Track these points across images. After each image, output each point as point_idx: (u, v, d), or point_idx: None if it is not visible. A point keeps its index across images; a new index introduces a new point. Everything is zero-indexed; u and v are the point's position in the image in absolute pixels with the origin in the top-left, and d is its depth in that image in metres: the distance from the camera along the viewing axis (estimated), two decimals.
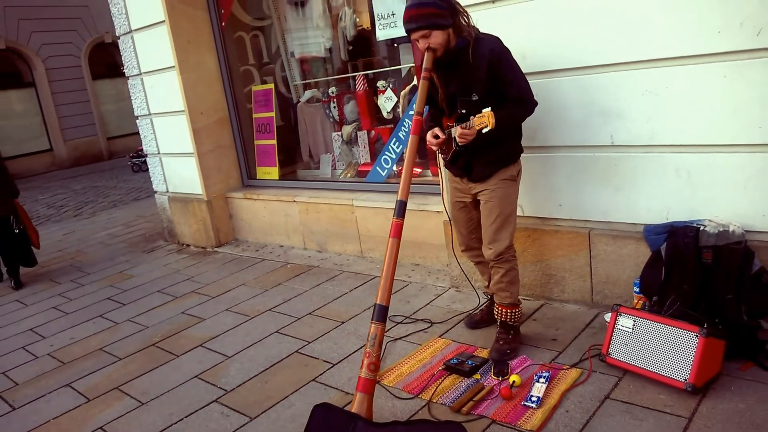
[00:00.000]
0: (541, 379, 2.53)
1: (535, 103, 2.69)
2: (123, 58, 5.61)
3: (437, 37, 2.57)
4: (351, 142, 5.25)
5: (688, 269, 2.62)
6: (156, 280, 4.95)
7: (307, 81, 5.71)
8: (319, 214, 4.75)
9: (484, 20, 3.15)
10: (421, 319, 3.38)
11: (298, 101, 5.67)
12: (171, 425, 2.76)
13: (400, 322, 3.39)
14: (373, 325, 2.46)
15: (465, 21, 2.63)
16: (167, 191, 5.87)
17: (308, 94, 5.65)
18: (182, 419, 2.79)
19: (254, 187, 5.49)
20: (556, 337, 2.96)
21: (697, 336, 2.31)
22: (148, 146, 5.83)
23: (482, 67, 2.59)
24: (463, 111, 2.66)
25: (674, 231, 2.72)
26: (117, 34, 5.53)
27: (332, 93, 5.38)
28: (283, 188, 5.20)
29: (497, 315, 2.89)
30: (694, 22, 2.57)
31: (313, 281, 4.29)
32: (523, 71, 3.05)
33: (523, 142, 3.14)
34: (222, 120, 5.38)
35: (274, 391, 2.89)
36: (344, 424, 2.30)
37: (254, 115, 5.48)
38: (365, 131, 5.08)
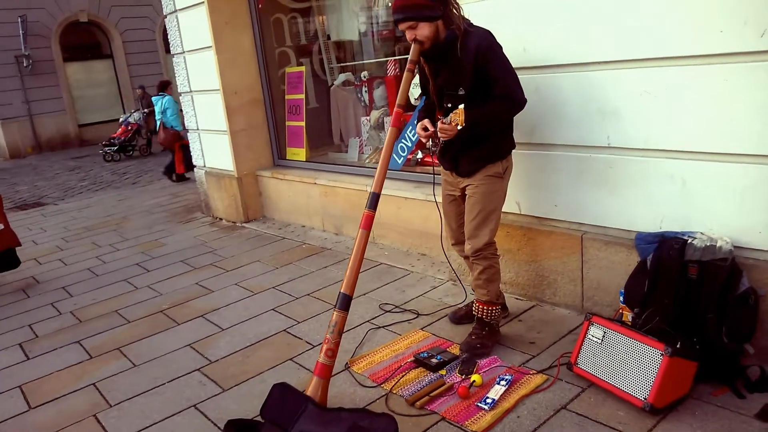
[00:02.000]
0: (502, 382, 2.49)
1: (523, 101, 2.62)
2: (169, 37, 5.83)
3: (424, 29, 2.54)
4: (379, 127, 5.26)
5: (671, 283, 2.49)
6: (183, 250, 5.17)
7: (342, 64, 5.75)
8: (336, 198, 4.81)
9: (487, 10, 3.09)
10: (409, 310, 3.38)
11: (332, 84, 5.72)
12: (153, 388, 2.91)
13: (389, 311, 3.41)
14: (335, 312, 2.51)
15: (455, 13, 2.58)
16: (204, 166, 6.09)
17: (342, 77, 5.70)
18: (164, 384, 2.94)
19: (283, 167, 5.61)
20: (535, 341, 2.89)
21: (661, 354, 2.21)
22: (188, 122, 6.05)
23: (469, 62, 2.54)
24: (449, 105, 2.62)
25: (663, 241, 2.59)
26: (164, 13, 5.75)
27: (364, 77, 5.41)
28: (307, 170, 5.29)
29: (474, 311, 2.86)
30: (695, 19, 2.41)
31: (321, 263, 4.37)
32: (523, 65, 2.99)
33: (522, 138, 3.09)
34: (255, 100, 5.51)
35: (252, 366, 2.99)
36: (296, 405, 2.36)
37: (286, 97, 5.58)
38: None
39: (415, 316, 3.31)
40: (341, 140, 5.73)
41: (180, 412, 2.67)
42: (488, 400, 2.39)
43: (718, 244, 2.41)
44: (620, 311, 2.70)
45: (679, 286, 2.47)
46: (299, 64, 5.70)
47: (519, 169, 3.17)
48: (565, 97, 2.92)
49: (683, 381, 2.27)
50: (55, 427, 2.66)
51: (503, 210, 3.27)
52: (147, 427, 2.58)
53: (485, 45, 2.52)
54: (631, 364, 2.31)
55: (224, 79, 5.28)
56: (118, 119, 16.61)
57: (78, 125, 16.12)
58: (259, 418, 2.45)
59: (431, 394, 2.49)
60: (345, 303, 2.50)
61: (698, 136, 2.52)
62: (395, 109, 2.63)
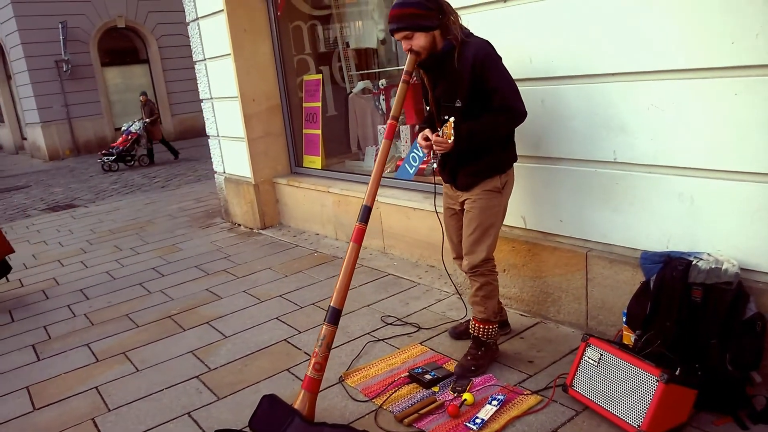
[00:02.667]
0: (494, 402, 2.43)
1: (523, 113, 2.55)
2: (191, 44, 5.92)
3: (419, 40, 2.51)
4: (395, 135, 5.22)
5: (673, 305, 2.39)
6: (198, 256, 5.23)
7: (360, 72, 5.75)
8: (348, 207, 4.80)
9: (493, 20, 3.04)
10: (411, 323, 3.34)
11: (351, 92, 5.72)
12: (151, 394, 2.93)
13: (390, 324, 3.37)
14: (324, 326, 2.48)
15: (453, 23, 2.53)
16: (224, 172, 6.16)
17: (360, 85, 5.69)
18: (162, 390, 2.96)
19: (299, 174, 5.63)
20: (534, 360, 2.82)
21: (657, 380, 2.12)
22: (209, 128, 6.13)
23: (466, 73, 2.49)
24: (446, 117, 2.57)
25: (668, 262, 2.49)
26: (187, 21, 5.85)
27: (382, 85, 5.39)
28: (321, 178, 5.29)
29: (471, 329, 2.80)
30: (704, 31, 2.32)
31: (330, 272, 4.35)
32: (529, 76, 2.94)
33: (527, 151, 3.03)
34: (273, 108, 5.54)
35: (248, 375, 2.99)
36: (283, 418, 2.36)
37: (304, 104, 5.60)
38: (408, 125, 5.04)
39: (416, 329, 3.27)
40: (358, 148, 5.73)
41: (174, 419, 2.68)
42: (477, 420, 2.33)
43: (723, 267, 2.30)
44: (620, 333, 2.60)
45: (681, 309, 2.37)
46: (318, 71, 5.72)
47: (524, 182, 3.12)
48: (571, 110, 2.84)
49: (681, 409, 2.17)
50: (54, 429, 2.70)
51: (509, 224, 3.24)
52: None
53: (482, 55, 2.47)
54: (626, 388, 2.22)
55: (242, 86, 5.34)
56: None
57: (114, 128, 16.51)
58: (247, 429, 2.44)
59: (420, 412, 2.44)
60: (334, 317, 2.48)
61: (707, 152, 2.42)
62: (389, 121, 2.60)
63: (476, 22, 3.09)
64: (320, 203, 5.13)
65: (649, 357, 2.29)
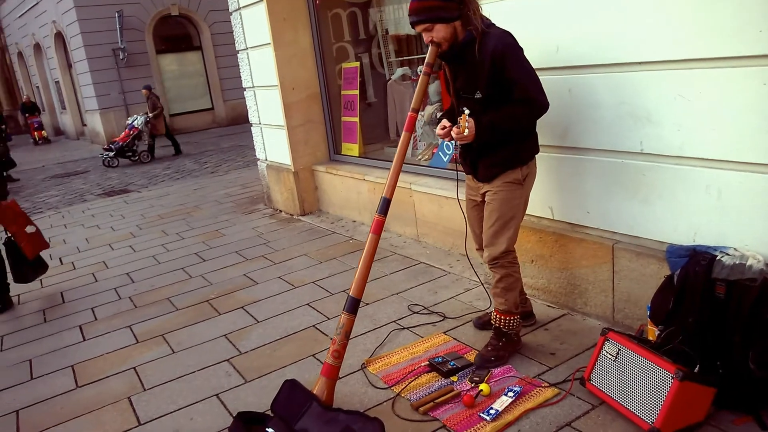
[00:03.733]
0: (510, 393, 2.44)
1: (545, 105, 2.52)
2: (234, 34, 6.05)
3: (440, 32, 2.50)
4: (432, 122, 5.22)
5: (696, 301, 2.33)
6: (239, 241, 5.39)
7: (400, 58, 5.75)
8: None
9: (520, 7, 2.99)
10: (437, 312, 3.37)
11: (390, 79, 5.74)
12: (184, 375, 3.08)
13: (416, 312, 3.41)
14: (343, 315, 2.55)
15: (474, 13, 2.51)
16: (266, 159, 6.30)
17: (399, 72, 5.70)
18: (194, 372, 3.10)
19: (337, 162, 5.70)
20: (556, 352, 2.81)
21: (672, 377, 2.09)
22: (252, 116, 6.27)
23: (486, 64, 2.47)
24: (464, 109, 2.57)
25: (693, 256, 2.43)
26: (230, 10, 5.97)
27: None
28: (358, 165, 5.35)
29: (492, 320, 2.81)
30: (733, 18, 2.22)
31: None
32: (556, 65, 2.89)
33: (554, 141, 3.00)
34: (313, 96, 5.62)
35: (276, 360, 3.10)
36: (302, 402, 2.44)
37: (342, 92, 5.65)
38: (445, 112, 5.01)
39: (442, 318, 3.30)
40: (397, 135, 5.74)
41: (202, 400, 2.81)
42: (492, 411, 2.35)
43: (748, 263, 2.23)
44: (642, 327, 2.56)
45: (704, 305, 2.31)
46: (357, 58, 5.75)
47: (552, 172, 3.08)
48: (598, 99, 2.78)
49: (697, 407, 2.13)
50: (93, 407, 2.88)
51: (536, 215, 3.22)
52: (170, 413, 2.74)
53: (502, 46, 2.44)
54: (642, 384, 2.19)
55: (282, 74, 5.43)
56: (209, 108, 17.50)
57: (169, 114, 17.05)
58: (269, 412, 2.54)
59: (437, 401, 2.48)
60: (353, 306, 2.54)
61: (735, 144, 2.34)
62: (409, 113, 2.61)
63: (503, 10, 3.05)
64: (356, 190, 5.19)
65: (669, 353, 2.26)
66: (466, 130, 2.38)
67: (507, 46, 2.46)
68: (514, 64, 2.46)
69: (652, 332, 2.59)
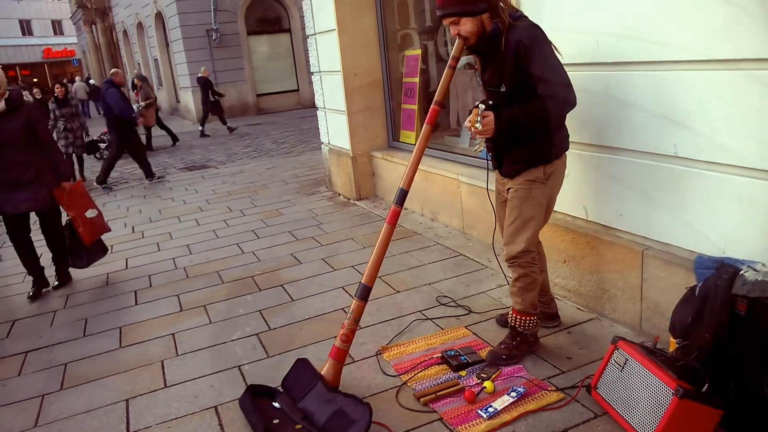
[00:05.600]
0: (513, 393, 2.42)
1: (570, 102, 2.44)
2: (305, 19, 6.19)
3: (466, 25, 2.48)
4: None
5: (714, 316, 2.20)
6: (295, 221, 5.58)
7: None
8: (433, 184, 4.84)
9: (561, 2, 2.89)
10: (464, 306, 3.36)
11: None
12: (215, 345, 3.26)
13: (443, 304, 3.42)
14: (354, 300, 2.61)
15: (501, 5, 2.46)
16: (328, 143, 6.44)
17: (463, 60, 5.58)
18: (225, 342, 3.27)
19: (394, 149, 5.74)
20: (573, 356, 2.74)
21: (672, 394, 2.00)
22: (318, 100, 6.42)
23: (510, 57, 2.43)
24: (491, 102, 2.53)
25: (719, 269, 2.29)
26: None
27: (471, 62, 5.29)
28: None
29: (509, 319, 2.77)
30: None
31: (405, 247, 4.46)
32: (595, 61, 2.80)
33: (591, 139, 2.91)
34: (374, 82, 5.67)
35: (299, 339, 3.22)
36: (309, 381, 2.54)
37: (403, 79, 5.66)
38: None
39: (467, 312, 3.29)
40: (458, 124, 5.70)
41: (225, 370, 2.97)
42: (490, 409, 2.34)
43: None
44: (657, 339, 2.44)
45: (722, 322, 2.17)
46: (422, 46, 5.73)
47: (586, 171, 2.99)
48: (634, 98, 2.66)
49: (699, 429, 2.02)
50: (129, 367, 3.11)
51: (571, 214, 3.14)
52: (195, 378, 2.92)
53: (527, 39, 2.38)
54: (644, 398, 2.11)
55: (345, 60, 5.51)
56: (295, 89, 17.86)
57: (257, 94, 17.70)
58: (280, 387, 2.66)
59: (439, 393, 2.50)
60: (364, 293, 2.60)
61: None
62: (432, 106, 2.61)
63: (542, 3, 2.96)
64: None
65: (681, 368, 2.16)
66: (478, 124, 2.36)
67: (533, 39, 2.39)
68: (539, 59, 2.40)
69: (674, 344, 2.47)
